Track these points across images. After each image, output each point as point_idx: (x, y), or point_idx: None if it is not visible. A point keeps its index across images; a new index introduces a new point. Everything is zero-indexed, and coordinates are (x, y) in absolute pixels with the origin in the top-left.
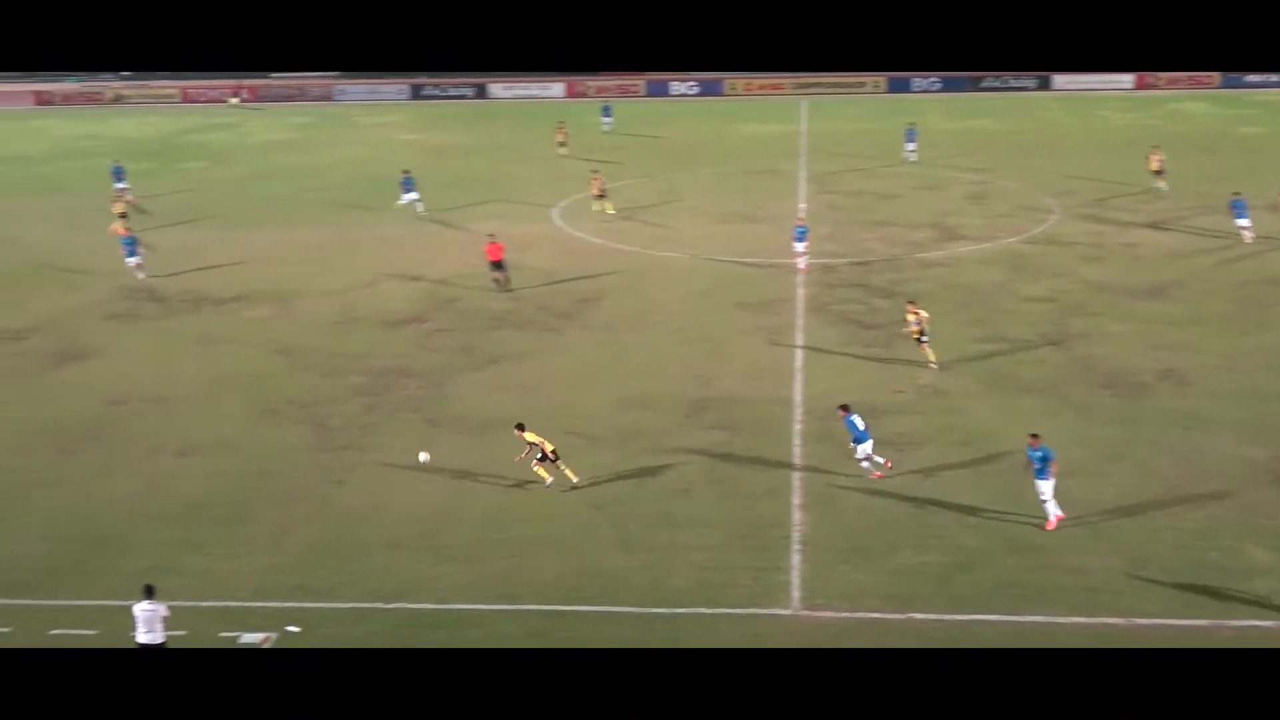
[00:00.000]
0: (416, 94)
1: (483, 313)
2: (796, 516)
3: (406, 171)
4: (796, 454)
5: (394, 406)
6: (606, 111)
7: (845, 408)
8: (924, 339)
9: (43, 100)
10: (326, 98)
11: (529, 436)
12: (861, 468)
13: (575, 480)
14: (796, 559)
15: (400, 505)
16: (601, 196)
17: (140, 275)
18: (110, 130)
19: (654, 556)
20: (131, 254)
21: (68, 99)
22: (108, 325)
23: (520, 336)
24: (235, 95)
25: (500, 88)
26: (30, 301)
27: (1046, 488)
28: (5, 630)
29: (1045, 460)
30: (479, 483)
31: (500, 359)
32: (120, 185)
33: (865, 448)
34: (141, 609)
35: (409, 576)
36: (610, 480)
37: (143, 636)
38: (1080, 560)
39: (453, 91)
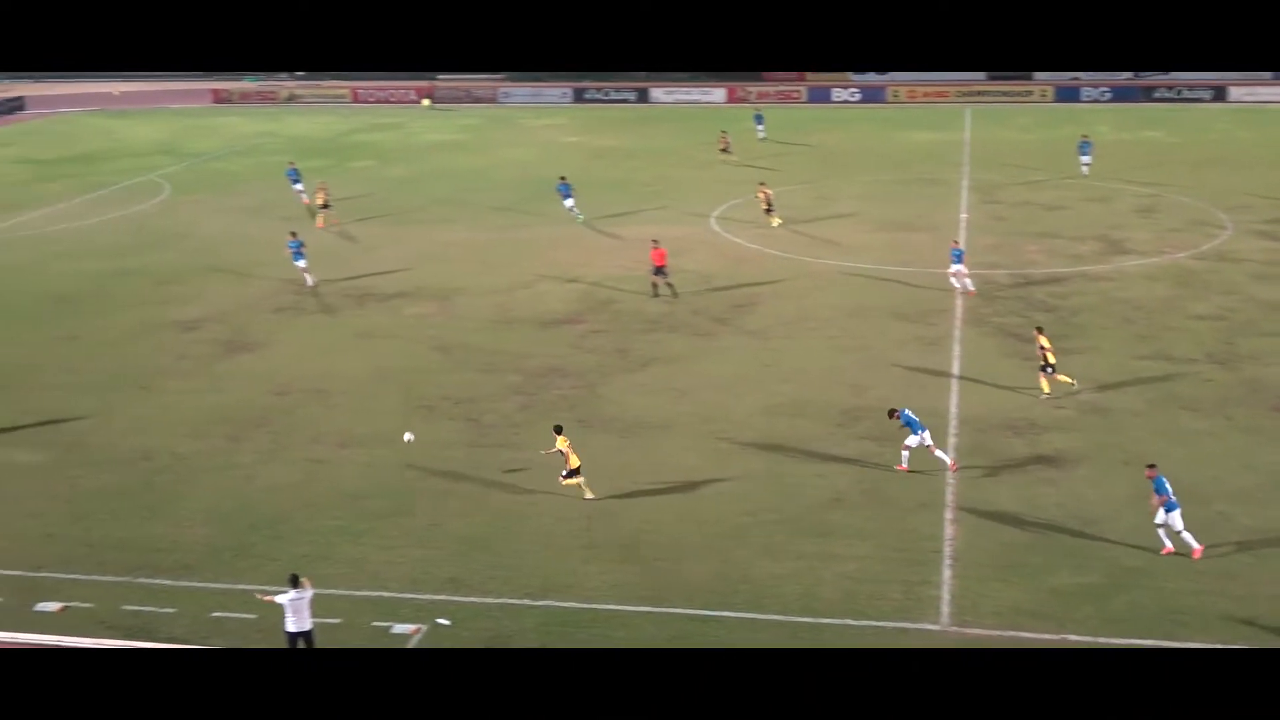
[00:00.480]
0: (579, 97)
1: (638, 316)
2: (949, 531)
3: (563, 178)
4: (950, 467)
5: (548, 405)
6: (759, 119)
7: (894, 412)
8: (1048, 369)
9: (220, 98)
10: (492, 100)
11: (560, 443)
12: (936, 456)
13: (590, 496)
14: (948, 574)
15: (552, 503)
16: (769, 210)
17: (310, 280)
18: (284, 129)
19: (803, 565)
20: (298, 257)
21: (244, 97)
22: (275, 318)
23: (674, 340)
24: (427, 97)
25: (661, 92)
26: (204, 293)
27: (1176, 519)
28: (170, 611)
29: (1161, 491)
30: (631, 483)
31: (653, 362)
32: (297, 187)
33: (926, 435)
34: (289, 599)
35: (558, 574)
36: (761, 487)
37: (291, 625)
38: (1245, 588)
39: (615, 95)
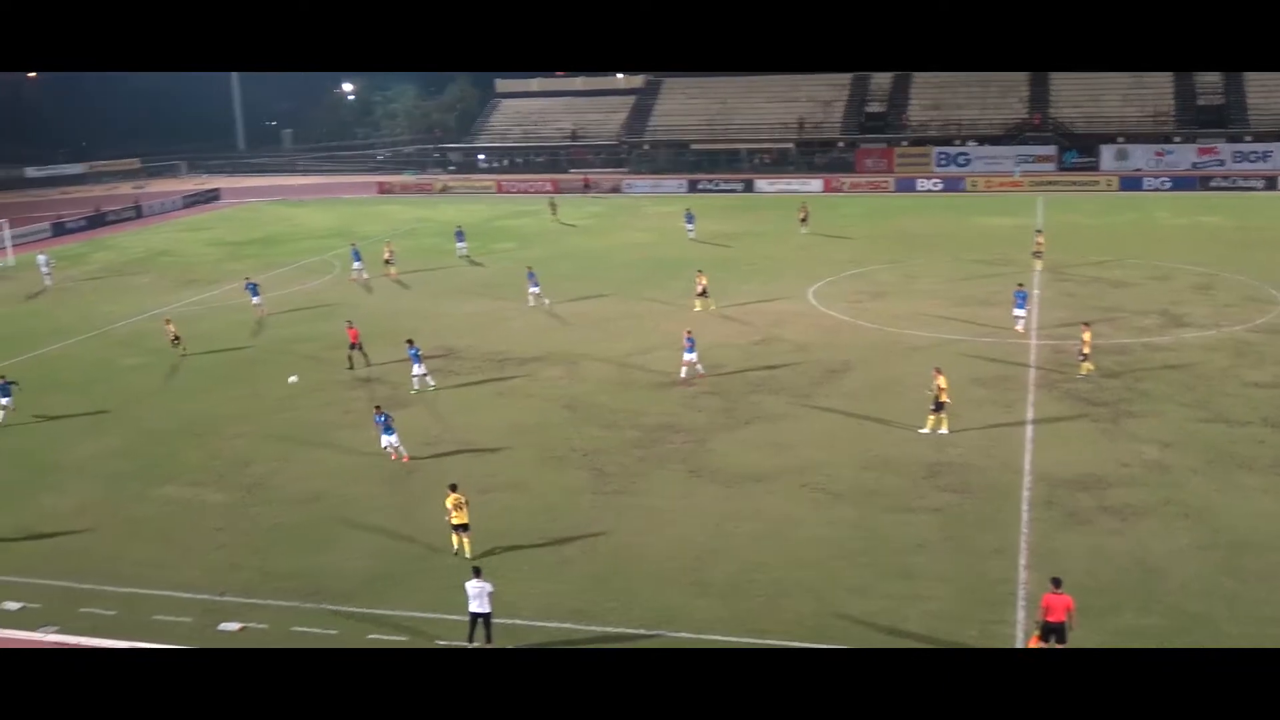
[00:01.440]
0: (693, 188)
1: (742, 379)
2: (1022, 575)
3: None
4: (1024, 518)
5: (662, 457)
6: (690, 218)
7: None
8: (938, 408)
9: (384, 190)
10: (616, 190)
11: (450, 501)
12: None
13: (459, 549)
14: (1021, 614)
15: (665, 544)
16: (703, 294)
17: (258, 314)
18: (437, 215)
19: (890, 604)
20: (255, 295)
21: (404, 188)
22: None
23: (775, 401)
24: (588, 186)
25: (765, 183)
26: (372, 355)
27: None
28: (333, 632)
29: None
30: (735, 528)
31: (756, 420)
32: (356, 264)
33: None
34: (471, 585)
35: (671, 608)
36: (852, 533)
37: (474, 606)
38: None
39: (724, 186)
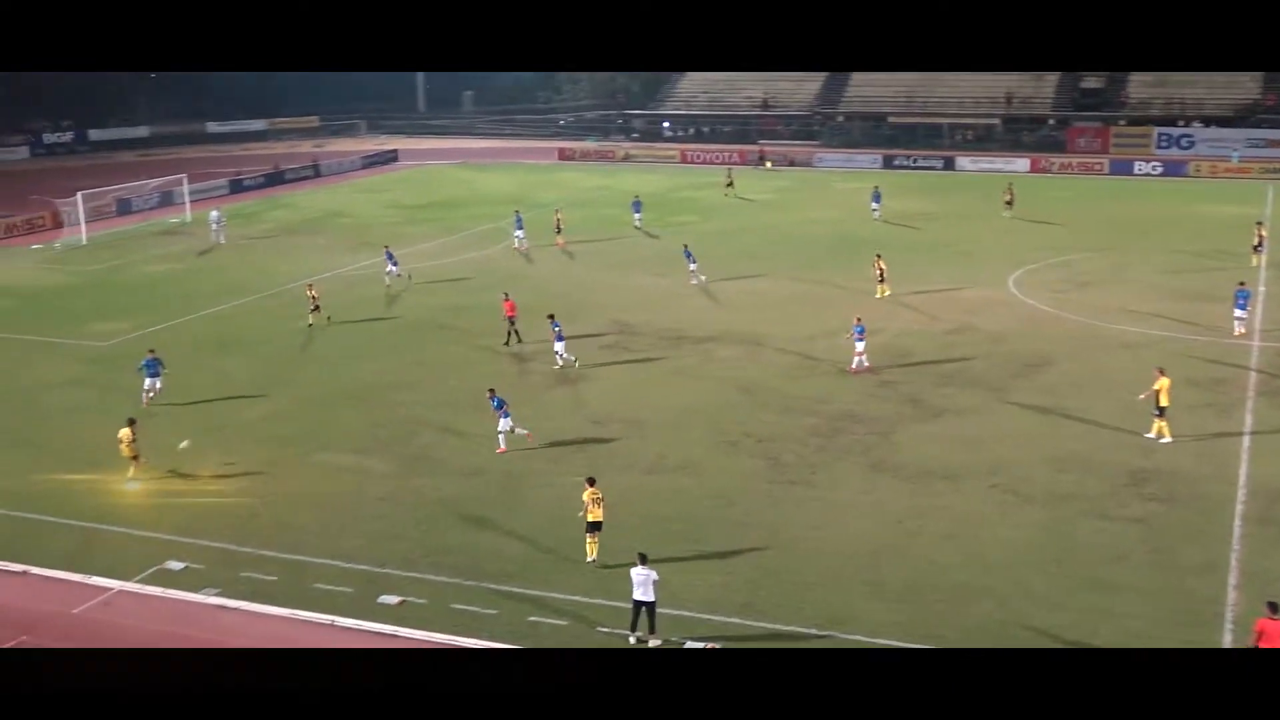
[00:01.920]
0: (888, 164)
1: (933, 370)
2: (1231, 596)
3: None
4: (1236, 533)
5: (842, 448)
6: (636, 206)
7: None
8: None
9: (564, 156)
10: (807, 164)
11: (587, 495)
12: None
13: (591, 558)
14: (1228, 638)
15: (841, 541)
16: (882, 280)
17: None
18: (618, 184)
19: (1081, 618)
20: (392, 263)
21: (585, 155)
22: (600, 354)
23: (966, 394)
24: (766, 159)
25: (967, 161)
26: (534, 329)
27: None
28: (492, 612)
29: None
30: (917, 526)
31: (945, 413)
32: (518, 233)
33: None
34: (636, 572)
35: (844, 608)
36: (1044, 538)
37: (638, 594)
38: None
39: (922, 163)
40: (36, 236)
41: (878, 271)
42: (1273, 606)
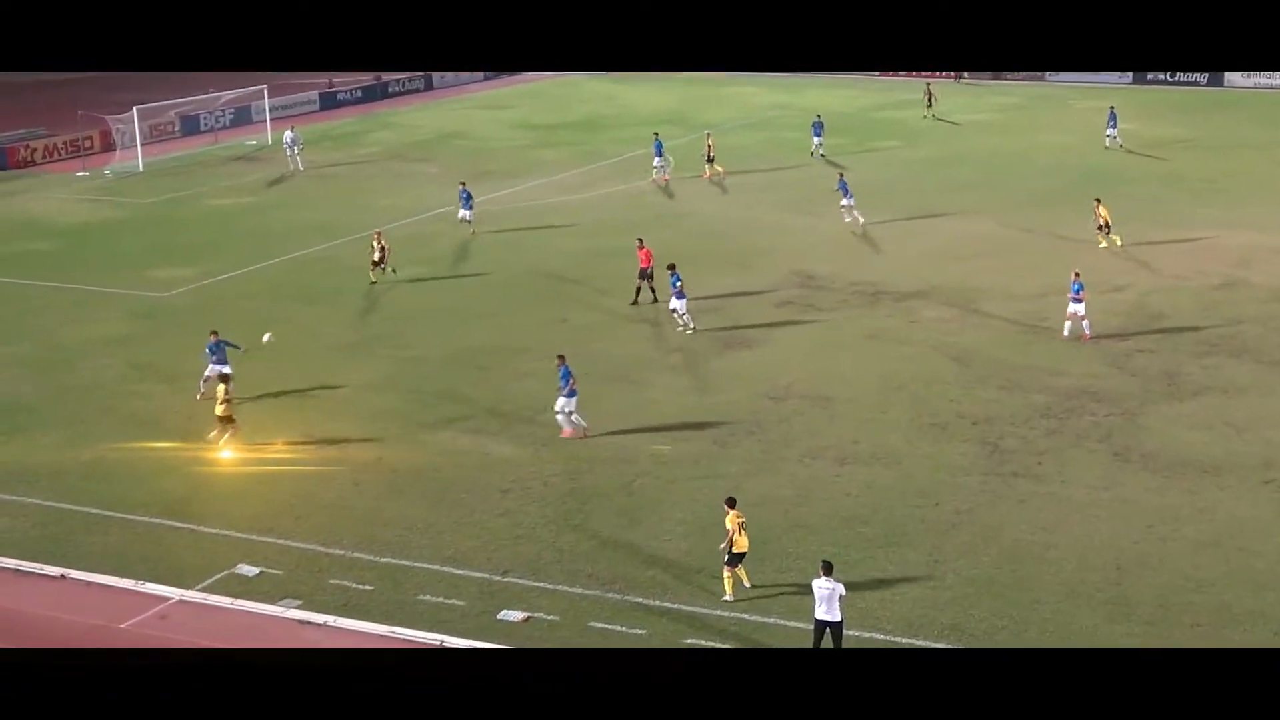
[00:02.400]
0: (1139, 79)
1: (1193, 335)
2: None
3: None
4: None
5: (1078, 433)
6: (818, 129)
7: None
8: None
9: None
10: (1038, 78)
11: (730, 520)
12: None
13: (746, 585)
14: None
15: (1078, 547)
16: (1104, 229)
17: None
18: (801, 101)
19: None
20: (466, 205)
21: None
22: (777, 313)
23: (1236, 366)
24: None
25: (1239, 76)
26: (701, 281)
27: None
28: (640, 633)
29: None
30: (1172, 531)
31: (1207, 390)
32: (657, 161)
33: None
34: (819, 585)
35: (1079, 631)
36: None
37: (821, 612)
38: None
39: (1182, 78)
40: (82, 161)
41: (1100, 221)
42: None
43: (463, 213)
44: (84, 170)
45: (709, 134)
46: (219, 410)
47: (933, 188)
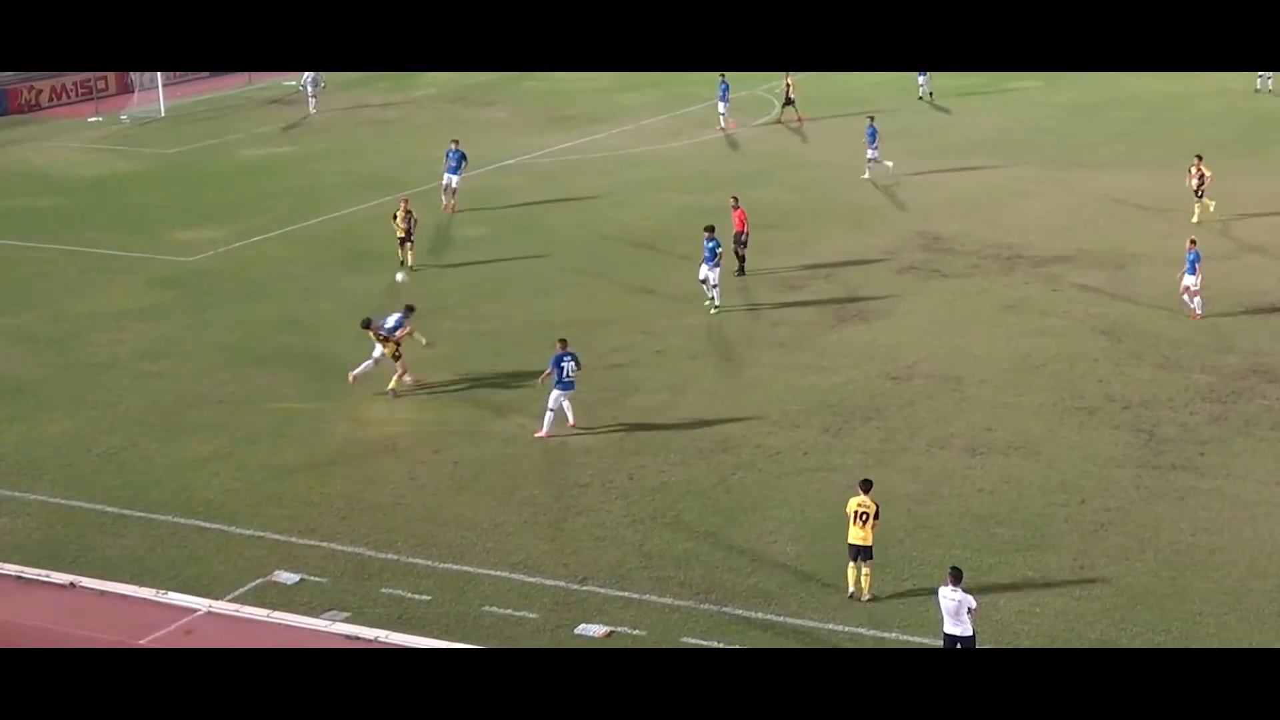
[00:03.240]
0: None
1: None
2: None
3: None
4: None
5: (1247, 419)
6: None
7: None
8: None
9: None
10: None
11: (853, 505)
12: None
13: (854, 590)
14: None
15: (1246, 550)
16: (1200, 192)
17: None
18: None
19: None
20: (453, 171)
21: None
22: (899, 280)
23: None
24: None
25: None
26: (813, 243)
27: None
28: (738, 649)
29: None
30: None
31: None
32: (721, 107)
33: None
34: (946, 595)
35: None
36: None
37: (949, 625)
38: None
39: None
40: (95, 105)
41: (1194, 177)
42: None
43: (447, 178)
44: (97, 115)
45: (789, 75)
46: (388, 351)
47: (1081, 136)
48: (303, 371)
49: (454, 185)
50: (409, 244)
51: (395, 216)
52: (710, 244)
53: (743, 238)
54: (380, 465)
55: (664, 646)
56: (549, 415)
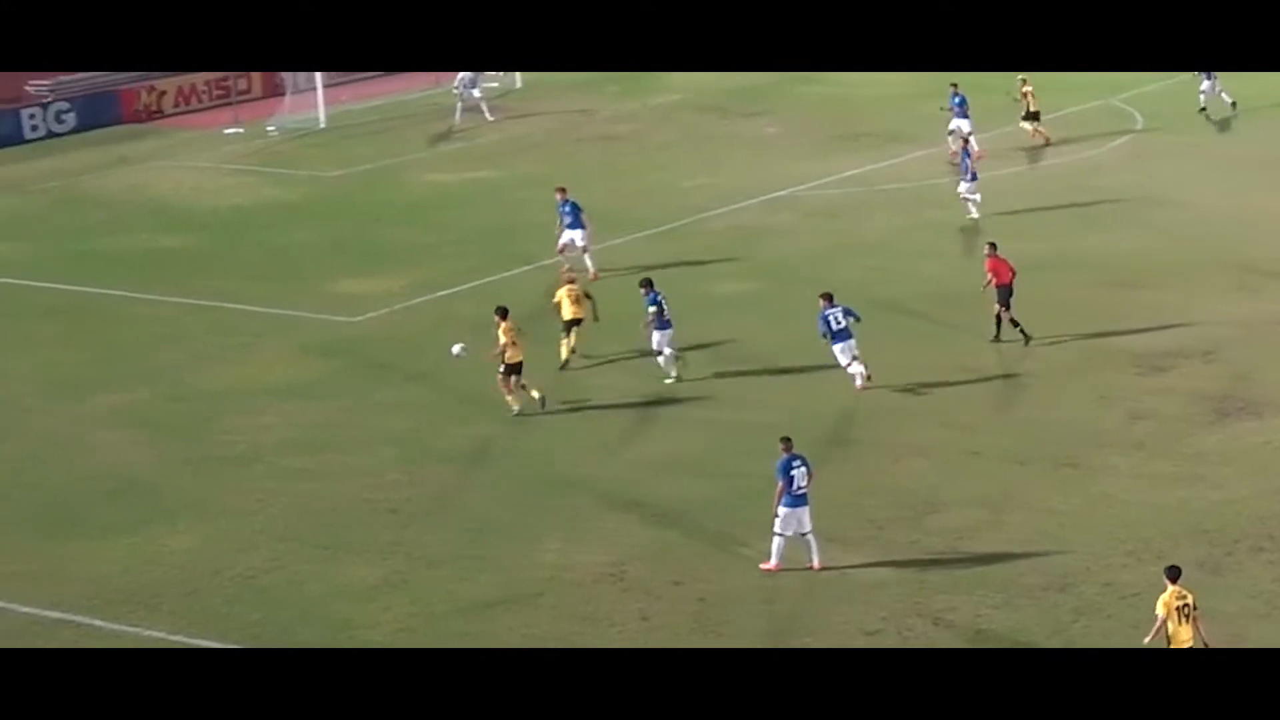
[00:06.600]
0: None
1: None
2: None
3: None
4: None
5: None
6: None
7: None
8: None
9: None
10: None
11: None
12: None
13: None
14: None
15: None
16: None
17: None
18: None
19: None
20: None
21: None
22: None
23: None
24: None
25: None
26: (1188, 306)
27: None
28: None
29: None
30: None
31: None
32: (954, 126)
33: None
34: None
35: None
36: None
37: None
38: None
39: None
40: (234, 111)
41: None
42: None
43: (569, 236)
44: (236, 125)
45: (1024, 80)
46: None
47: None
48: (499, 470)
49: (580, 242)
50: (573, 333)
51: (559, 296)
52: (652, 298)
53: (1004, 292)
54: (603, 599)
55: None
56: (777, 541)
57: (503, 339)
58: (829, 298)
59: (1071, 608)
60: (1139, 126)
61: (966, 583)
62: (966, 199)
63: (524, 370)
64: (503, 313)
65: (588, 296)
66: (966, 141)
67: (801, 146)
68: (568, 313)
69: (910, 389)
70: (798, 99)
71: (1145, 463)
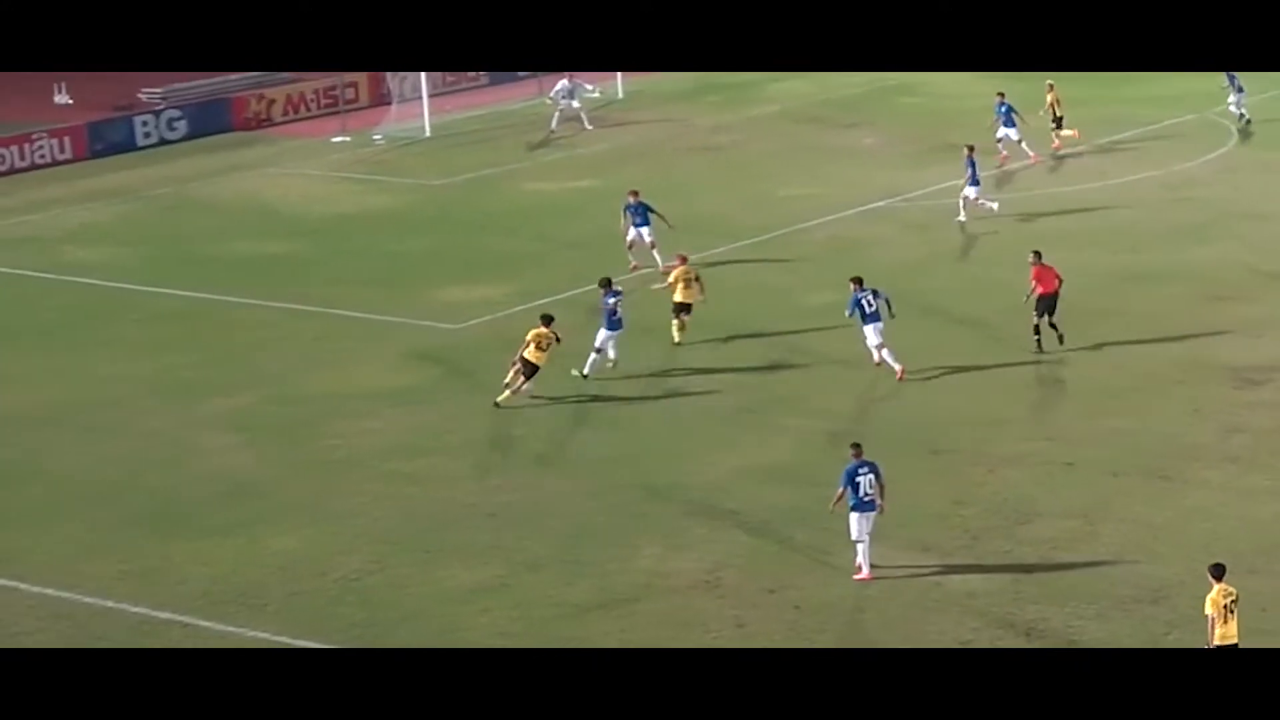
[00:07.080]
0: None
1: None
2: None
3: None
4: None
5: None
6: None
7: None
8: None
9: None
10: None
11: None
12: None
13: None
14: None
15: None
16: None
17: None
18: None
19: None
20: (642, 224)
21: None
22: None
23: None
24: None
25: None
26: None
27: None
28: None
29: None
30: None
31: None
32: (1004, 133)
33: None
34: None
35: None
36: None
37: None
38: None
39: None
40: (341, 120)
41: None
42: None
43: (635, 233)
44: (343, 134)
45: (1051, 85)
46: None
47: None
48: (596, 475)
49: (647, 239)
50: (684, 316)
51: (671, 281)
52: (609, 296)
53: (1047, 301)
54: (699, 605)
55: None
56: (860, 548)
57: (530, 342)
58: (859, 281)
59: (1164, 620)
60: (1233, 141)
61: (1059, 594)
62: (983, 202)
63: (537, 377)
64: (546, 320)
65: (697, 279)
66: (972, 150)
67: (899, 157)
68: (679, 295)
69: (1004, 400)
70: (896, 109)
71: (1239, 476)
